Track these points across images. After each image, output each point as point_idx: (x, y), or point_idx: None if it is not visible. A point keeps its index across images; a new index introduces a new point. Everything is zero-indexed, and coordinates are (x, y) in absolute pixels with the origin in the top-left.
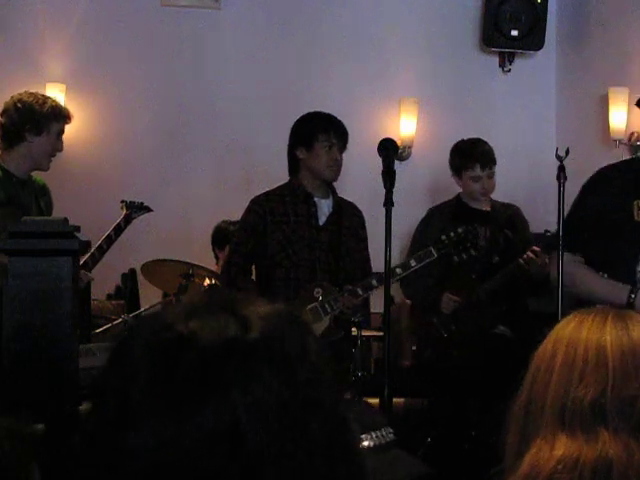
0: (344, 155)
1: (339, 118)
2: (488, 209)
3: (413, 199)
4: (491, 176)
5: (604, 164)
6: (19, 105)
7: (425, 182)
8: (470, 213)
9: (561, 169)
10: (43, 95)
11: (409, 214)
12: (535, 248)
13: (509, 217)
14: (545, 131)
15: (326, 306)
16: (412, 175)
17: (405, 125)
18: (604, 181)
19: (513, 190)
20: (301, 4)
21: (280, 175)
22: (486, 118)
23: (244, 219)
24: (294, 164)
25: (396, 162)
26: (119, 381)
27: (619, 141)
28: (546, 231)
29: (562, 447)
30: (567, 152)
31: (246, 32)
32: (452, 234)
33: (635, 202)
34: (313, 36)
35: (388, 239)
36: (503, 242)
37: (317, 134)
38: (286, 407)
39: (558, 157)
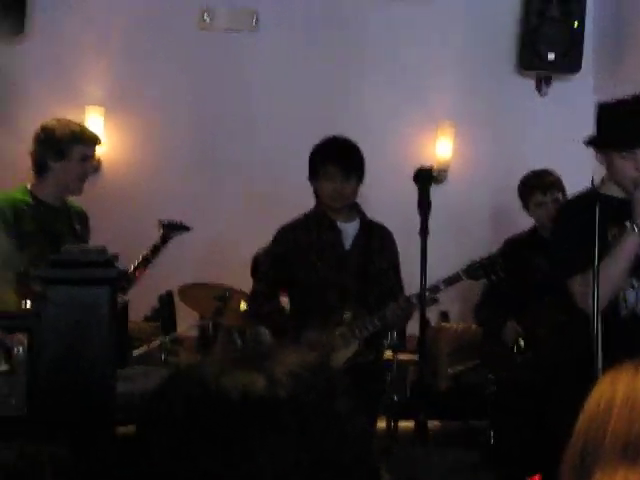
0: (381, 179)
1: (377, 143)
2: None
3: (449, 222)
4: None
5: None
6: (41, 133)
7: (461, 205)
8: (545, 245)
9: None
10: (68, 120)
11: (443, 238)
12: None
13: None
14: (583, 155)
15: (356, 330)
16: (448, 198)
17: (442, 148)
18: (575, 211)
19: None
20: (339, 27)
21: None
22: (523, 142)
23: (270, 249)
24: (315, 192)
25: (434, 185)
26: (155, 431)
27: None
28: None
29: (622, 477)
30: (602, 181)
31: (283, 54)
32: (481, 257)
33: (609, 230)
34: (350, 59)
35: (424, 267)
36: None
37: (319, 165)
38: (306, 469)
39: (594, 185)
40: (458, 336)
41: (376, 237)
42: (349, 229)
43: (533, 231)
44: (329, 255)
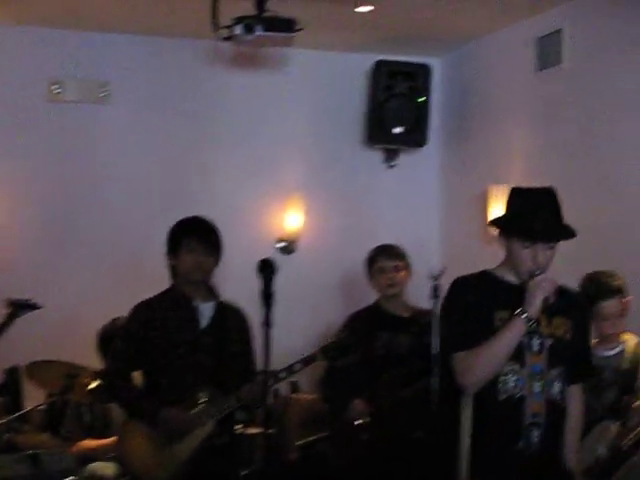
0: (229, 251)
1: (227, 214)
2: (407, 315)
3: (297, 293)
4: (398, 269)
5: (486, 260)
6: None
7: (310, 276)
8: (388, 319)
9: (435, 289)
10: None
11: (292, 308)
12: None
13: (429, 323)
14: (429, 226)
15: (210, 410)
16: (297, 269)
17: (291, 220)
18: (465, 288)
19: None
20: (191, 101)
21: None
22: (372, 213)
23: (125, 326)
24: (171, 270)
25: (281, 256)
26: None
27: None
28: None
29: None
30: (442, 271)
31: (134, 127)
32: (335, 338)
33: (496, 313)
34: (202, 132)
35: (267, 357)
36: (424, 348)
37: (181, 239)
38: None
39: (432, 277)
40: (308, 407)
41: (231, 318)
42: (205, 309)
43: (376, 305)
44: (185, 334)
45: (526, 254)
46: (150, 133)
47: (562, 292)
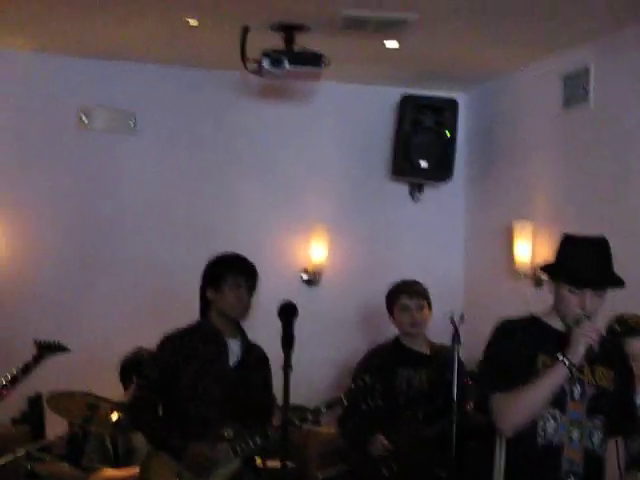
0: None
1: (251, 244)
2: (427, 352)
3: (319, 325)
4: (421, 307)
5: (510, 296)
6: None
7: (333, 309)
8: (409, 356)
9: (455, 335)
10: None
11: (315, 340)
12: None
13: (449, 359)
14: (453, 261)
15: (237, 448)
16: (321, 301)
17: (316, 252)
18: (510, 331)
19: None
20: (217, 132)
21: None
22: (396, 246)
23: (156, 355)
24: (205, 304)
25: (306, 288)
26: None
27: (524, 274)
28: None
29: None
30: (462, 317)
31: (160, 157)
32: (360, 382)
33: (540, 357)
34: (228, 164)
35: (286, 401)
36: (444, 384)
37: (225, 275)
38: None
39: (453, 322)
40: (328, 441)
41: (256, 358)
42: (234, 346)
43: (395, 341)
44: (213, 369)
45: (574, 300)
46: (176, 164)
47: (604, 341)
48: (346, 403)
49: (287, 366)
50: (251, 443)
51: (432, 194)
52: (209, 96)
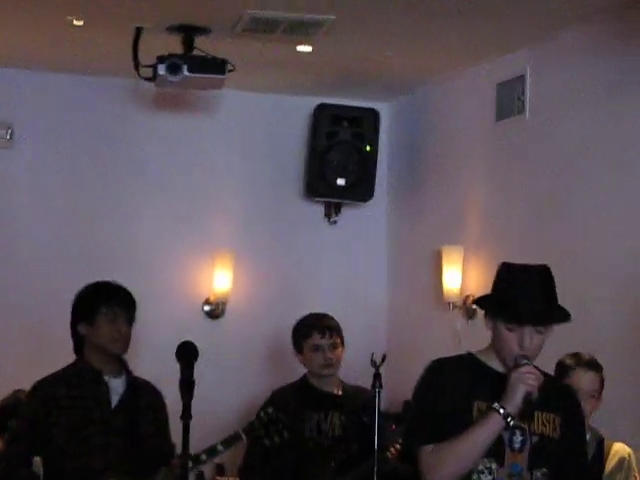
0: (149, 315)
1: (148, 271)
2: (339, 392)
3: (222, 362)
4: (335, 346)
5: (438, 329)
6: None
7: (239, 344)
8: (319, 397)
9: (376, 377)
10: None
11: (218, 378)
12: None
13: (365, 401)
14: (375, 290)
15: None
16: (225, 334)
17: (219, 280)
18: (442, 374)
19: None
20: (108, 146)
21: None
22: (310, 274)
23: (25, 405)
24: (78, 341)
25: (208, 321)
26: None
27: (453, 304)
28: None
29: None
30: (383, 359)
31: (42, 172)
32: (262, 414)
33: (475, 403)
34: (121, 181)
35: (186, 451)
36: (360, 429)
37: (98, 306)
38: None
39: (373, 363)
40: None
41: (144, 396)
42: (116, 385)
43: (303, 381)
44: (93, 413)
45: (511, 338)
46: (60, 182)
47: (549, 383)
48: (245, 439)
49: (187, 416)
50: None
51: (351, 215)
52: (97, 106)
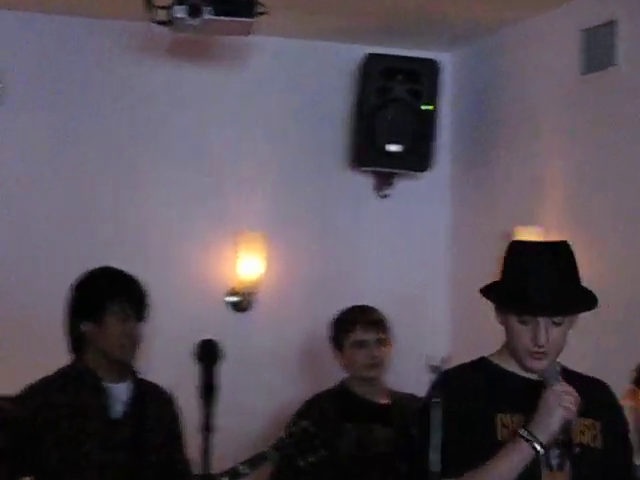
0: (161, 309)
1: (159, 258)
2: (386, 402)
3: (252, 362)
4: (381, 343)
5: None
6: None
7: (269, 342)
8: (361, 407)
9: (435, 389)
10: None
11: (244, 383)
12: None
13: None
14: (433, 277)
15: None
16: (252, 331)
17: (246, 267)
18: (455, 390)
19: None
20: (114, 103)
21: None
22: (355, 259)
23: (11, 415)
24: (77, 340)
25: (232, 315)
26: None
27: None
28: None
29: None
30: (443, 362)
31: (34, 134)
32: (294, 428)
33: (498, 417)
34: (127, 143)
35: (206, 468)
36: (410, 445)
37: (108, 302)
38: None
39: (432, 368)
40: None
41: (153, 402)
42: (119, 392)
43: (342, 388)
44: (92, 425)
45: (524, 333)
46: (53, 144)
47: (581, 382)
48: (274, 458)
49: (208, 428)
50: None
51: (405, 188)
52: (100, 54)
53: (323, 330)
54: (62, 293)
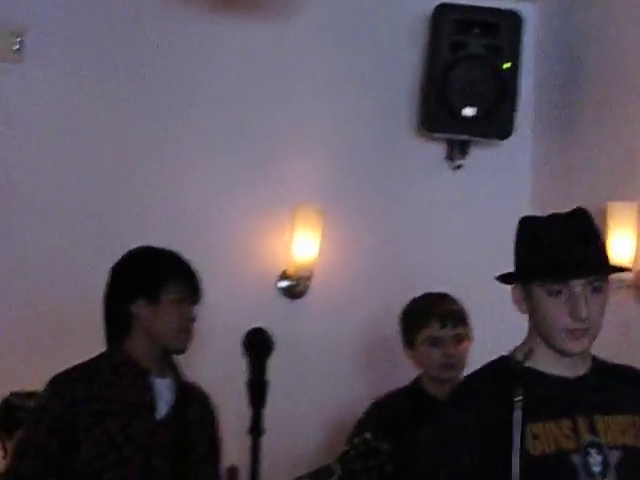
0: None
1: (199, 236)
2: None
3: (308, 352)
4: (459, 339)
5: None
6: None
7: (327, 332)
8: (438, 410)
9: (518, 378)
10: None
11: (299, 379)
12: None
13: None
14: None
15: None
16: (307, 319)
17: (301, 246)
18: (465, 412)
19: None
20: (148, 62)
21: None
22: (425, 236)
23: (41, 407)
24: (123, 324)
25: (285, 301)
26: None
27: (622, 282)
28: None
29: None
30: (527, 356)
31: (58, 96)
32: (357, 441)
33: (528, 428)
34: (162, 108)
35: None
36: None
37: (165, 281)
38: None
39: (516, 363)
40: None
41: (196, 407)
42: (163, 389)
43: (416, 388)
44: (135, 425)
45: (557, 306)
46: (82, 108)
47: (617, 373)
48: (339, 473)
49: (257, 429)
50: None
51: (482, 157)
52: (132, 8)
53: (389, 318)
54: (100, 271)
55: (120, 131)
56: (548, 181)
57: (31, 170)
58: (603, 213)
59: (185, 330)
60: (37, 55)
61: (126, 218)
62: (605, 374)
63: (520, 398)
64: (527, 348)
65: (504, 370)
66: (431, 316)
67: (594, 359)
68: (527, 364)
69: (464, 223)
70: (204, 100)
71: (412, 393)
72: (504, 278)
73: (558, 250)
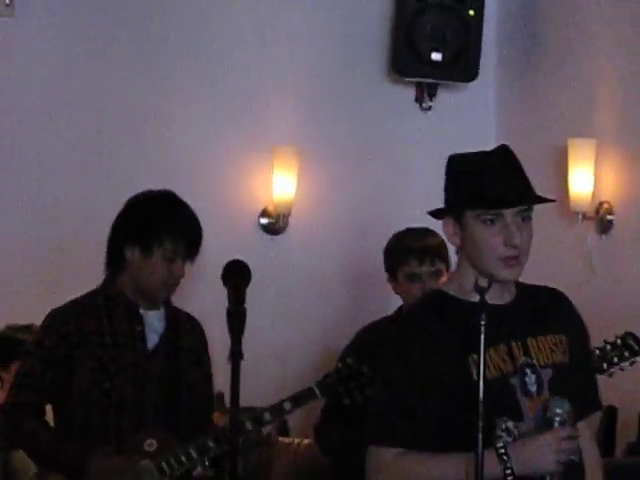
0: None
1: (185, 176)
2: None
3: (287, 287)
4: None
5: (564, 246)
6: None
7: (306, 266)
8: None
9: (482, 306)
10: None
11: (280, 312)
12: None
13: None
14: None
15: (163, 464)
16: (287, 254)
17: (280, 185)
18: (408, 341)
19: None
20: (132, 8)
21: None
22: (397, 174)
23: (37, 340)
24: (117, 262)
25: (268, 236)
26: None
27: (583, 214)
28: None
29: None
30: (490, 284)
31: (50, 46)
32: (340, 365)
33: (470, 358)
34: (149, 53)
35: (235, 400)
36: None
37: (162, 236)
38: None
39: (477, 289)
40: (301, 455)
41: (186, 334)
42: (153, 320)
43: (400, 315)
44: (127, 355)
45: (491, 234)
46: (73, 58)
47: (541, 294)
48: (321, 395)
49: (236, 354)
50: (183, 458)
51: (449, 99)
52: None
53: (365, 251)
54: (99, 221)
55: (111, 80)
56: (512, 120)
57: (30, 116)
58: (564, 149)
59: (169, 285)
60: (29, 10)
61: (120, 159)
62: (530, 297)
63: (484, 323)
64: (459, 281)
65: (442, 304)
66: (410, 253)
67: (517, 284)
68: (459, 296)
69: (434, 161)
70: (192, 51)
71: (395, 321)
72: (436, 214)
73: (493, 181)
